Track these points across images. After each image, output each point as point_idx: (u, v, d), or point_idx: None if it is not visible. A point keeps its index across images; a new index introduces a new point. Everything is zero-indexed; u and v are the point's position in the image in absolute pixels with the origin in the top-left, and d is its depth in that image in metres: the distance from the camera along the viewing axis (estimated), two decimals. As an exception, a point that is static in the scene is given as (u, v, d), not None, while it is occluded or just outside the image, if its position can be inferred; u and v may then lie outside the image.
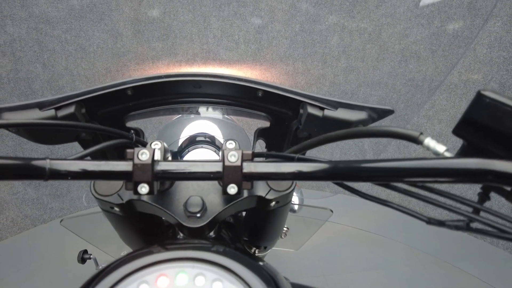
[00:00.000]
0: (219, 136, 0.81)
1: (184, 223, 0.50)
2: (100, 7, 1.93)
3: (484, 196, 0.33)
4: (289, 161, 0.42)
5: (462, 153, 0.36)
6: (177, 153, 0.75)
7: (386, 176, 0.34)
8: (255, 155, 0.50)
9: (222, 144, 0.79)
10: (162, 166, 0.37)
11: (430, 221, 0.35)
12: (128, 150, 0.37)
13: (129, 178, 0.36)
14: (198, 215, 0.51)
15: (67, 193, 1.94)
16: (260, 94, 0.59)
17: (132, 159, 0.36)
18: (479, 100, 0.32)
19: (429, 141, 0.34)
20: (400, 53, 2.02)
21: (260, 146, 0.79)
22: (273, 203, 0.54)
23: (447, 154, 0.33)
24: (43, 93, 1.90)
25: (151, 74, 0.59)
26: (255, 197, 0.54)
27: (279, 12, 2.07)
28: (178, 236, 0.57)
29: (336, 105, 0.56)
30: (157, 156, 0.40)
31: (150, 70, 2.09)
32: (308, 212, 0.89)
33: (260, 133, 0.69)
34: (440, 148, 0.34)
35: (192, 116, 0.85)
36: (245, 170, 0.37)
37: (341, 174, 0.36)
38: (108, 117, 0.63)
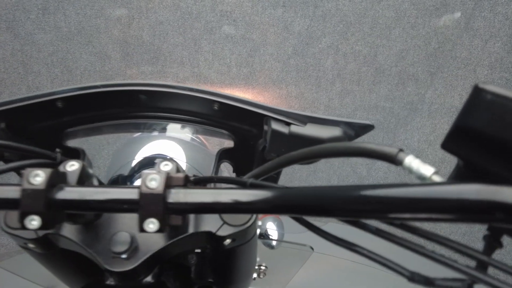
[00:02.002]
0: (182, 159, 0.71)
1: (105, 266, 0.40)
2: (88, 29, 1.89)
3: (492, 242, 0.22)
4: (240, 187, 0.33)
5: (457, 176, 0.25)
6: (126, 178, 0.65)
7: (349, 211, 0.24)
8: (200, 180, 0.41)
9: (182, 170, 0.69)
10: (61, 194, 0.30)
11: (413, 277, 0.23)
12: (22, 172, 0.30)
13: (17, 207, 0.29)
14: (124, 256, 0.40)
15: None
16: (216, 107, 0.51)
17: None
18: (478, 99, 0.22)
19: (410, 161, 0.24)
20: (397, 76, 1.95)
21: (228, 171, 0.69)
22: (228, 240, 0.44)
23: (436, 179, 0.23)
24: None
25: (86, 84, 0.51)
26: (203, 234, 0.43)
27: (271, 35, 2.03)
28: (108, 282, 0.46)
29: (305, 119, 0.48)
30: (72, 179, 0.34)
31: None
32: (288, 248, 0.77)
33: (224, 155, 0.60)
34: (427, 170, 0.23)
35: (155, 134, 0.75)
36: (171, 200, 0.30)
37: (291, 206, 0.28)
38: (41, 134, 0.54)
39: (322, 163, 2.17)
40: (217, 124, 0.55)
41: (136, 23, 1.97)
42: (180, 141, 0.74)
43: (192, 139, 0.78)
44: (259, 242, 0.78)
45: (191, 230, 0.43)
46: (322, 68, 2.02)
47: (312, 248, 0.71)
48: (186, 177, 0.34)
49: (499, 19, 1.67)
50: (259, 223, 0.81)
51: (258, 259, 0.83)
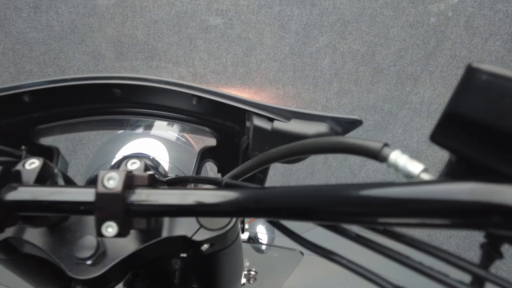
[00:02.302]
0: (165, 158, 0.67)
1: (69, 273, 0.37)
2: (81, 28, 1.86)
3: (491, 251, 0.18)
4: (215, 188, 0.30)
5: (450, 174, 0.22)
6: None
7: (323, 214, 0.21)
8: (174, 180, 0.39)
9: (164, 170, 0.65)
10: (11, 194, 0.28)
11: None
12: None
13: None
14: (89, 262, 0.37)
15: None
16: (195, 102, 0.48)
17: None
18: (471, 81, 0.19)
19: (396, 157, 0.21)
20: (395, 75, 1.91)
21: (213, 171, 0.65)
22: (206, 246, 0.41)
23: (425, 177, 0.19)
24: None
25: (55, 77, 0.48)
26: (179, 238, 0.41)
27: (267, 34, 2.00)
28: None
29: (289, 115, 0.45)
30: (30, 178, 0.31)
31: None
32: (278, 252, 0.74)
33: (207, 154, 0.57)
34: (414, 167, 0.20)
35: (138, 132, 0.72)
36: (131, 201, 0.28)
37: (262, 209, 0.25)
38: (9, 131, 0.51)
39: (320, 164, 2.13)
40: (197, 121, 0.52)
41: (130, 22, 1.94)
42: (164, 140, 0.71)
43: (177, 138, 0.75)
44: (248, 247, 0.75)
45: (164, 234, 0.40)
46: (319, 67, 1.99)
47: (302, 253, 0.68)
48: (151, 177, 0.30)
49: (500, 17, 1.64)
50: (246, 226, 0.78)
51: (247, 264, 0.79)
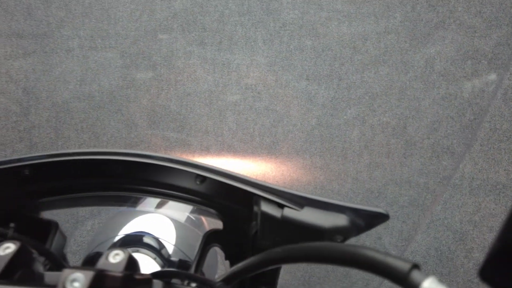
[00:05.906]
0: (171, 240, 0.62)
1: None
2: (119, 99, 2.00)
3: None
4: None
5: None
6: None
7: None
8: (160, 274, 0.36)
9: (168, 253, 0.61)
10: None
11: None
12: None
13: None
14: None
15: None
16: (198, 182, 0.45)
17: None
18: None
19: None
20: (430, 149, 1.81)
21: (221, 258, 0.58)
22: None
23: None
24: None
25: (58, 151, 0.48)
26: None
27: (294, 106, 2.03)
28: None
29: (303, 202, 0.40)
30: None
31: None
32: None
33: (212, 238, 0.51)
34: None
35: (147, 208, 0.68)
36: None
37: None
38: (7, 204, 0.51)
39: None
40: (201, 201, 0.48)
41: (165, 94, 2.06)
42: (173, 219, 0.66)
43: (188, 217, 0.69)
44: None
45: None
46: (348, 139, 1.94)
47: None
48: (127, 278, 0.26)
49: (540, 89, 1.56)
50: None
51: None
